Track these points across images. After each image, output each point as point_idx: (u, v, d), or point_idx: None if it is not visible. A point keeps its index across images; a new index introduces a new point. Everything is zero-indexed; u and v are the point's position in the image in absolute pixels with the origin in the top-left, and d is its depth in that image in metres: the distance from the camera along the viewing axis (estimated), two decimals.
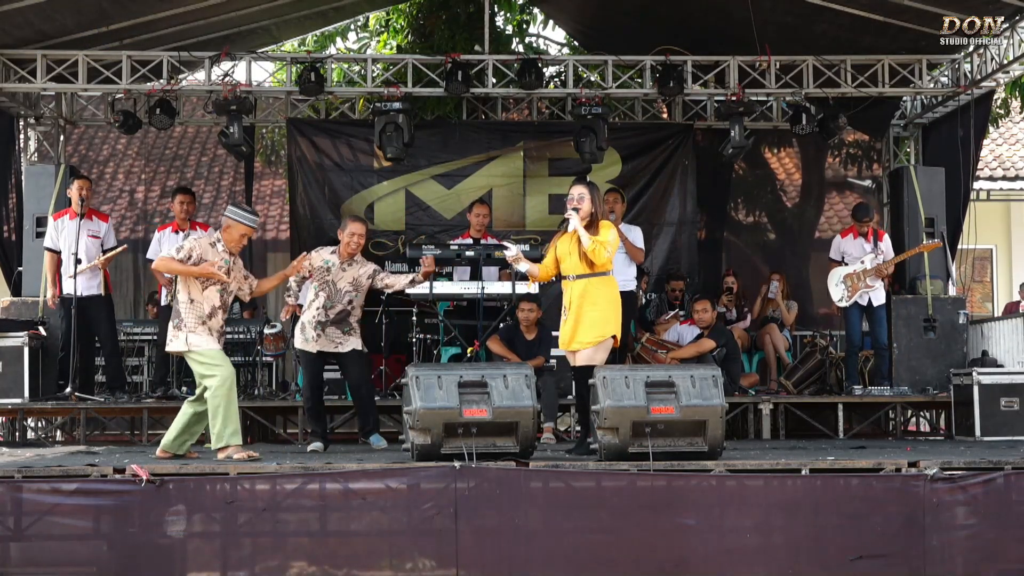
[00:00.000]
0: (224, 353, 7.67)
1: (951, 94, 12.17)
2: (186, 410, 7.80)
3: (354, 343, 8.71)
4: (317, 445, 8.53)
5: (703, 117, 13.24)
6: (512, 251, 8.00)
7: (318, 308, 8.57)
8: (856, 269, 11.05)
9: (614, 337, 7.65)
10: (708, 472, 6.83)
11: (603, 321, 7.57)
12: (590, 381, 7.35)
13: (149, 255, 10.94)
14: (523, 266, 7.97)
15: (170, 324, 7.70)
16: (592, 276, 7.60)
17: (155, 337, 11.33)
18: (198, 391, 7.75)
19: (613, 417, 6.94)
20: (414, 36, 14.65)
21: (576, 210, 7.64)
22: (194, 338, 7.57)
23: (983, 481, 6.77)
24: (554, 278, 8.01)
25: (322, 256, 8.66)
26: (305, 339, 8.58)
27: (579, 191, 7.71)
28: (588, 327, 7.57)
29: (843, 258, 11.25)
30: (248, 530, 6.60)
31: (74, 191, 10.62)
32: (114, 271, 12.90)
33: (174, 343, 7.64)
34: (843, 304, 11.10)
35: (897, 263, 11.39)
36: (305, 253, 8.68)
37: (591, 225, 7.64)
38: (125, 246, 11.17)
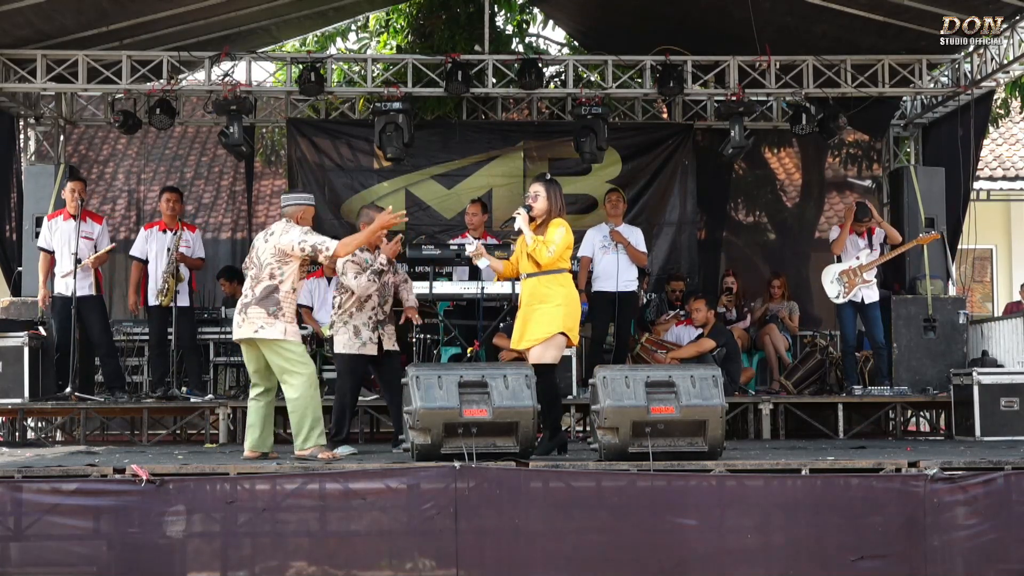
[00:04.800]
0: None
1: (951, 94, 12.17)
2: (257, 407, 7.80)
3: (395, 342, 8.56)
4: (347, 449, 8.17)
5: (703, 117, 13.25)
6: (472, 247, 7.90)
7: (373, 308, 8.28)
8: (852, 265, 11.03)
9: (568, 336, 7.53)
10: (708, 472, 6.83)
11: (551, 319, 7.46)
12: (590, 381, 7.35)
13: (133, 252, 10.93)
14: (483, 262, 7.88)
15: (259, 309, 7.48)
16: (542, 275, 7.51)
17: (149, 337, 11.33)
18: (263, 386, 7.74)
19: (613, 417, 6.94)
20: (414, 36, 14.65)
21: (529, 207, 7.57)
22: (292, 329, 7.54)
23: (983, 481, 6.77)
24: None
25: (362, 256, 8.25)
26: (362, 343, 8.21)
27: (534, 188, 7.65)
28: (535, 325, 7.49)
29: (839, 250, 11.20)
30: (248, 530, 6.60)
31: (68, 192, 10.62)
32: (113, 271, 12.93)
33: (267, 330, 7.47)
34: (839, 301, 11.05)
35: (895, 257, 11.35)
36: (388, 209, 7.88)
37: (545, 223, 7.58)
38: (114, 244, 11.14)
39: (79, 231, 10.50)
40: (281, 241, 7.57)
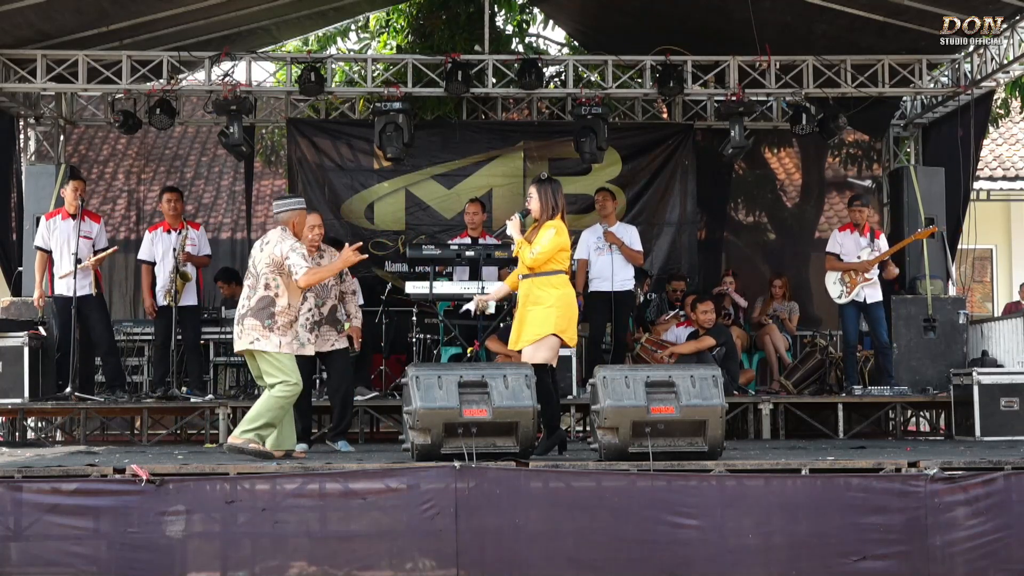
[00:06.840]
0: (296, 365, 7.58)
1: (951, 94, 12.17)
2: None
3: (343, 341, 8.59)
4: (303, 446, 8.18)
5: (703, 117, 13.26)
6: (472, 304, 8.04)
7: (310, 308, 8.36)
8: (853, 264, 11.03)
9: (562, 338, 7.50)
10: (708, 472, 6.83)
11: (543, 320, 7.45)
12: (590, 381, 7.36)
13: (141, 255, 10.91)
14: (492, 306, 7.95)
15: (254, 320, 7.43)
16: (535, 276, 7.52)
17: (155, 337, 11.34)
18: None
19: (613, 417, 6.94)
20: (414, 36, 14.66)
21: (526, 212, 7.64)
22: (286, 342, 7.46)
23: (983, 481, 6.77)
24: None
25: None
26: (301, 344, 8.07)
27: (529, 191, 7.69)
28: (529, 326, 7.50)
29: (840, 252, 11.20)
30: (248, 530, 6.60)
31: (69, 191, 10.61)
32: (113, 271, 12.94)
33: (262, 343, 7.41)
34: (842, 301, 11.05)
35: (893, 254, 11.33)
36: (353, 246, 7.81)
37: (541, 224, 7.59)
38: (116, 247, 11.13)
39: (79, 230, 10.49)
40: (275, 251, 7.50)
